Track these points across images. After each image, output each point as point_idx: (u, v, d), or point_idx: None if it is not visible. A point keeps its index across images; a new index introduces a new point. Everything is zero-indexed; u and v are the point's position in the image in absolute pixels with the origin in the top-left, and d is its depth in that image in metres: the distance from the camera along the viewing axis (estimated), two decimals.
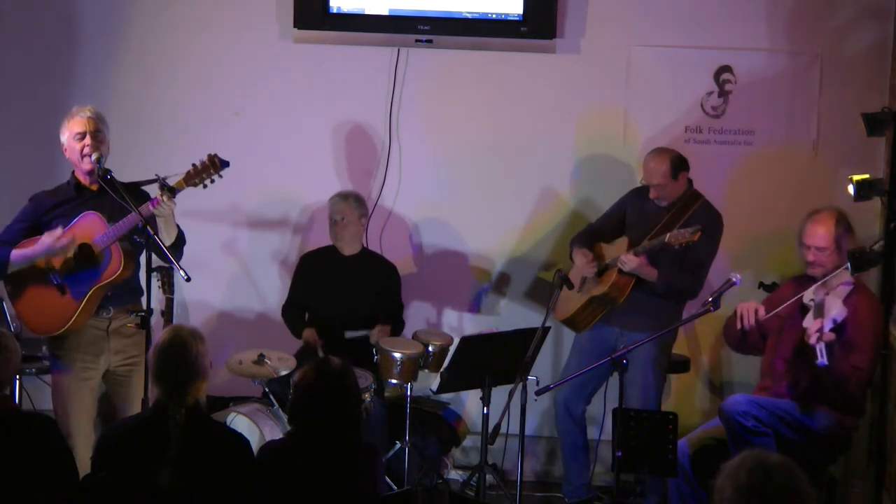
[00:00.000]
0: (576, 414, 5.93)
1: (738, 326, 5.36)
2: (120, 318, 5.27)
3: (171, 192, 5.07)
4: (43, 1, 6.60)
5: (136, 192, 5.30)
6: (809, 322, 5.12)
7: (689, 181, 5.82)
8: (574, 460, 5.99)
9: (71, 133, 5.24)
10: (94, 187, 5.27)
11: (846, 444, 5.38)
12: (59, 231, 5.10)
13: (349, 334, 6.02)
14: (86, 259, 5.13)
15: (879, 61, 6.27)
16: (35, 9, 6.59)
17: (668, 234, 5.46)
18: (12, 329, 5.63)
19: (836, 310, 5.15)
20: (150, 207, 5.05)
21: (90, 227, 5.14)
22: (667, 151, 5.82)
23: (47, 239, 5.09)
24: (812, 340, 5.00)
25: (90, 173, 5.24)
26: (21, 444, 3.99)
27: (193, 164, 5.14)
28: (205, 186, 5.18)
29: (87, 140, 5.20)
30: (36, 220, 5.27)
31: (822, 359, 4.94)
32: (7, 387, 4.19)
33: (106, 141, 5.27)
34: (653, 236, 5.67)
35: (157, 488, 3.87)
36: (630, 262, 5.62)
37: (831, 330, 5.05)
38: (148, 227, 4.99)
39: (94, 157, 5.18)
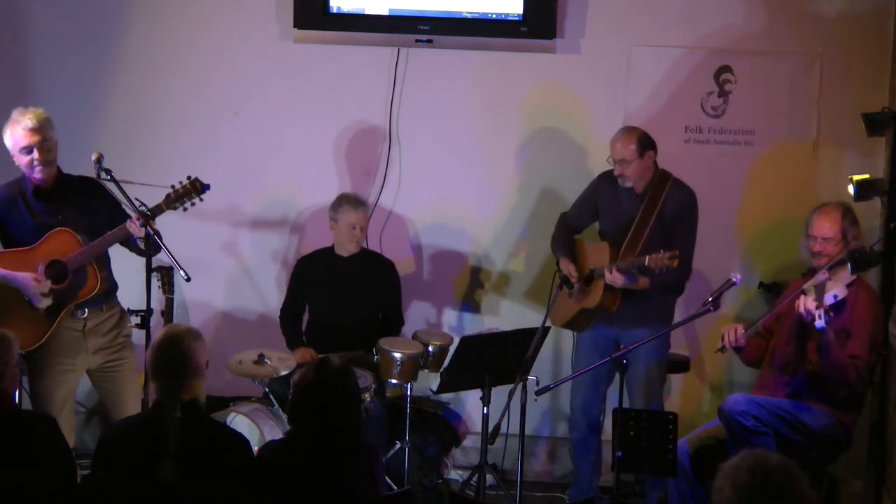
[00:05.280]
0: (593, 414, 5.92)
1: (719, 346, 5.39)
2: (96, 317, 5.28)
3: (152, 216, 5.07)
4: (43, 0, 6.60)
5: (90, 187, 5.31)
6: (809, 298, 5.13)
7: (655, 163, 5.81)
8: (584, 460, 5.98)
9: (16, 146, 5.16)
10: (49, 186, 5.22)
11: (846, 444, 5.38)
12: (46, 285, 5.09)
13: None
14: (59, 276, 5.15)
15: (879, 61, 6.27)
16: (35, 8, 6.59)
17: (647, 258, 5.44)
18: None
19: (836, 288, 5.16)
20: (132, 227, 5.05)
21: (62, 244, 5.16)
22: (634, 129, 5.81)
23: (29, 283, 5.10)
24: (803, 306, 5.02)
25: (43, 180, 5.21)
26: (21, 444, 3.99)
27: (173, 187, 5.13)
28: (185, 209, 5.18)
29: (36, 154, 5.13)
30: (2, 219, 5.25)
31: (820, 321, 4.96)
32: (6, 382, 4.16)
33: (54, 144, 5.20)
34: (633, 234, 5.65)
35: (157, 487, 3.87)
36: (618, 280, 5.61)
37: (831, 305, 5.06)
38: (148, 227, 4.99)
39: (93, 157, 5.19)
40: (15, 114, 5.20)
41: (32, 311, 5.16)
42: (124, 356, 5.34)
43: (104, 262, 5.28)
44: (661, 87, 6.42)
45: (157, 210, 5.13)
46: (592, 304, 5.74)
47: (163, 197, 5.16)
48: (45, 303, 5.13)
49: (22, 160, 5.18)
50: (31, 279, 5.11)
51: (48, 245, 5.16)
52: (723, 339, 5.37)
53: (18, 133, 5.14)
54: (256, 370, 5.72)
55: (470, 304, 6.64)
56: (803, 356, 5.32)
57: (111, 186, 5.19)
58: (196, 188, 5.12)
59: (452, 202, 6.58)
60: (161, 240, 5.05)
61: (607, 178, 5.90)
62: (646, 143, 5.74)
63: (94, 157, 5.19)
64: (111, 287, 5.35)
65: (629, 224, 5.72)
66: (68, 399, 5.32)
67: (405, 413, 5.84)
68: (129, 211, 5.14)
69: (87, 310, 5.24)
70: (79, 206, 5.18)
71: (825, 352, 5.11)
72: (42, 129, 5.15)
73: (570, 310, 5.87)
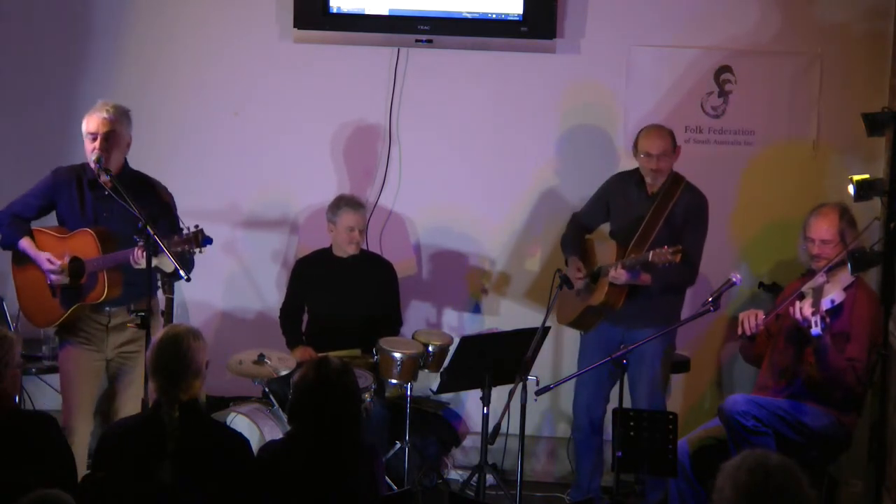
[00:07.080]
0: (596, 415, 5.93)
1: (739, 332, 5.37)
2: (120, 315, 5.31)
3: (153, 252, 5.03)
4: (44, 0, 6.60)
5: (146, 187, 5.35)
6: (806, 303, 5.13)
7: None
8: (585, 460, 5.98)
9: (86, 130, 5.26)
10: (108, 183, 5.26)
11: (846, 444, 5.38)
12: (57, 267, 5.19)
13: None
14: (76, 273, 5.20)
15: (879, 61, 6.27)
16: (36, 8, 6.59)
17: (650, 254, 5.47)
18: (12, 329, 5.65)
19: (834, 292, 5.16)
20: (134, 255, 5.07)
21: (83, 245, 5.20)
22: (664, 126, 5.87)
23: (46, 262, 5.21)
24: (799, 312, 5.01)
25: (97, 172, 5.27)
26: (21, 443, 3.99)
27: (180, 230, 5.13)
28: (182, 256, 5.09)
29: (97, 143, 5.21)
30: (52, 197, 5.34)
31: (816, 328, 4.96)
32: (6, 382, 4.15)
33: (122, 141, 5.28)
34: (641, 234, 5.68)
35: (156, 487, 3.88)
36: (621, 276, 5.62)
37: (828, 310, 5.06)
38: (148, 227, 4.99)
39: (93, 158, 5.20)
40: (99, 102, 5.30)
41: (51, 296, 5.26)
42: (141, 357, 5.34)
43: (119, 272, 5.25)
44: (661, 87, 6.42)
45: (157, 250, 5.06)
46: (597, 302, 5.75)
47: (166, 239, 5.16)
48: (57, 280, 5.20)
49: (86, 146, 5.25)
50: (45, 259, 5.22)
51: (75, 241, 5.23)
52: (742, 324, 5.34)
53: (90, 118, 5.24)
54: (256, 370, 5.72)
55: (470, 304, 6.64)
56: (801, 360, 5.31)
57: (112, 189, 5.18)
58: (197, 239, 5.08)
59: (452, 202, 6.58)
60: (162, 245, 5.05)
61: (620, 179, 5.94)
62: (674, 138, 5.81)
63: (94, 158, 5.19)
64: (131, 293, 5.29)
65: (638, 224, 5.73)
66: (94, 385, 5.39)
67: (405, 413, 5.84)
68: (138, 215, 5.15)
69: (110, 308, 5.28)
70: (128, 211, 5.15)
71: (822, 356, 5.11)
72: (114, 123, 5.23)
73: (575, 308, 5.87)
